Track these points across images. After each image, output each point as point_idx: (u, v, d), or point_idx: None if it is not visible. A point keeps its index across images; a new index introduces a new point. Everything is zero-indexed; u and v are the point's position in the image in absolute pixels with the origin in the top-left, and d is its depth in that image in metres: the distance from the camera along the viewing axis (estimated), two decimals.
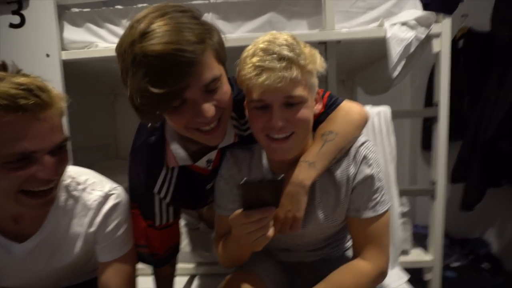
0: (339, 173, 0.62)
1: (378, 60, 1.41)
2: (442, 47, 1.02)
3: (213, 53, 0.53)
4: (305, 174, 0.58)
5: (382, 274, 0.62)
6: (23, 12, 1.15)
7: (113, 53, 1.14)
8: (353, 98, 1.87)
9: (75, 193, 0.64)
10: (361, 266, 0.61)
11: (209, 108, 0.53)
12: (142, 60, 0.47)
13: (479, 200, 1.46)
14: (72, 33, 1.19)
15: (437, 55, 1.04)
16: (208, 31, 0.53)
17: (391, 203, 1.06)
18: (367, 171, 0.61)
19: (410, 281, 1.01)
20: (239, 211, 0.50)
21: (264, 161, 0.66)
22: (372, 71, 1.48)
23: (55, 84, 1.16)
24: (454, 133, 1.52)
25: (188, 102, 0.52)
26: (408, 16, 1.01)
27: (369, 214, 0.61)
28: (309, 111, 0.56)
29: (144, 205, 0.72)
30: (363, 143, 0.63)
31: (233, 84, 0.63)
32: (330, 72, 1.04)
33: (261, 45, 0.52)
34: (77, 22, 1.20)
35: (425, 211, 1.55)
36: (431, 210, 1.16)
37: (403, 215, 1.18)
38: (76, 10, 1.22)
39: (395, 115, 1.03)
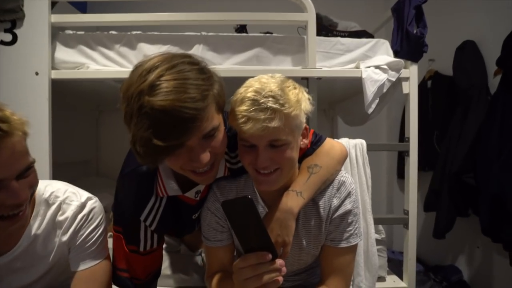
0: (322, 203, 0.68)
1: (355, 95, 1.53)
2: (411, 89, 1.14)
3: (214, 105, 0.56)
4: (293, 202, 0.63)
5: None
6: (16, 31, 1.17)
7: (103, 75, 1.21)
8: (333, 126, 1.98)
9: (53, 206, 0.66)
10: None
11: (205, 156, 0.56)
12: (148, 112, 0.49)
13: (449, 228, 1.55)
14: (64, 53, 1.21)
15: (407, 96, 1.16)
16: (211, 84, 0.55)
17: (367, 233, 1.11)
18: (348, 206, 0.67)
19: None
20: (240, 259, 0.52)
21: (252, 189, 0.70)
22: (350, 105, 1.60)
23: (42, 101, 1.17)
24: (425, 164, 1.65)
25: (186, 148, 0.55)
26: (381, 61, 1.13)
27: (343, 244, 0.67)
28: (293, 151, 0.60)
29: (129, 231, 0.72)
30: (346, 179, 0.69)
31: (225, 119, 0.65)
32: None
33: (249, 94, 0.55)
34: (70, 43, 1.22)
35: (401, 237, 1.62)
36: (405, 238, 1.22)
37: (379, 242, 1.23)
38: (70, 32, 1.25)
39: (370, 148, 1.11)
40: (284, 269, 0.51)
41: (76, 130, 1.86)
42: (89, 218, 0.67)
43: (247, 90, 0.57)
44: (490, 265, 1.53)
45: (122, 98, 0.54)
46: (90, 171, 2.05)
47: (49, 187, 0.67)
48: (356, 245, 0.68)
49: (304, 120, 0.61)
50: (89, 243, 0.67)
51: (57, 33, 1.23)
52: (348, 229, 0.67)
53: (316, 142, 0.72)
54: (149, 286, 0.80)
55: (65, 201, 0.67)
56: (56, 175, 1.23)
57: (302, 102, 0.59)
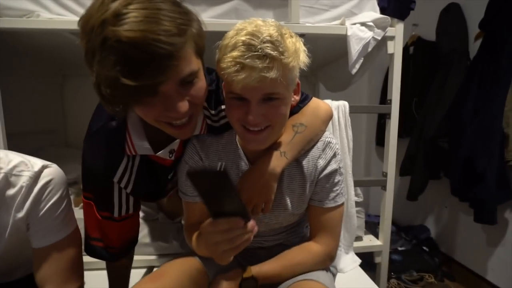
0: (306, 163, 0.65)
1: (338, 59, 1.48)
2: (395, 49, 1.11)
3: (193, 46, 0.49)
4: (276, 162, 0.60)
5: (330, 257, 0.67)
6: None
7: (58, 25, 1.06)
8: (315, 93, 1.94)
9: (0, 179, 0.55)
10: (312, 247, 0.66)
11: (182, 104, 0.50)
12: (114, 45, 0.42)
13: (422, 191, 1.63)
14: None
15: (391, 57, 1.13)
16: (189, 21, 0.49)
17: (347, 195, 1.13)
18: (334, 166, 0.66)
19: (362, 264, 1.09)
20: (207, 221, 0.48)
21: (235, 145, 0.66)
22: (333, 69, 1.55)
23: None
24: (403, 131, 1.68)
25: (161, 95, 0.48)
26: (367, 18, 1.07)
27: (330, 204, 0.66)
28: (286, 107, 0.56)
29: (101, 195, 0.66)
30: (331, 140, 0.67)
31: (205, 72, 0.60)
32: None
33: (243, 38, 0.48)
34: None
35: (377, 201, 1.70)
36: (382, 200, 1.26)
37: (358, 204, 1.26)
38: None
39: (353, 110, 1.09)
40: (255, 229, 0.48)
41: (39, 96, 1.67)
42: (48, 190, 0.58)
43: (240, 33, 0.49)
44: (456, 222, 1.66)
45: (81, 33, 0.46)
46: (58, 141, 1.90)
47: None
48: (342, 204, 0.68)
49: (298, 74, 0.56)
50: (51, 218, 0.59)
51: None
52: (334, 188, 0.66)
53: (303, 101, 0.68)
54: (125, 254, 0.76)
55: (12, 172, 0.56)
56: (16, 146, 1.10)
57: (300, 53, 0.53)
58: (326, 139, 0.66)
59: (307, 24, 1.09)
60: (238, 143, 0.66)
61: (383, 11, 1.13)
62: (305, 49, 0.55)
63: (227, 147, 0.66)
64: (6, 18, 1.02)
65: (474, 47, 1.43)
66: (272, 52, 0.47)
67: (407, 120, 1.68)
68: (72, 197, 1.35)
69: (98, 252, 0.71)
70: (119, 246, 0.72)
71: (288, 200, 0.66)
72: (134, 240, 0.78)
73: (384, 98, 1.98)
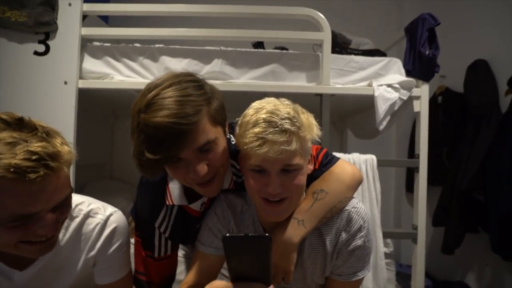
0: (328, 234, 0.62)
1: (367, 109, 1.56)
2: (421, 108, 1.18)
3: (209, 119, 0.57)
4: (293, 231, 0.59)
5: None
6: (49, 42, 1.25)
7: (127, 86, 1.29)
8: (343, 139, 2.01)
9: (77, 219, 0.67)
10: None
11: (201, 168, 0.57)
12: (143, 128, 0.54)
13: (458, 244, 1.55)
14: (91, 64, 1.29)
15: (418, 114, 1.20)
16: (206, 99, 0.58)
17: (375, 247, 1.13)
18: (358, 242, 0.61)
19: None
20: (222, 282, 0.51)
21: (254, 213, 0.68)
22: (361, 119, 1.63)
23: (69, 109, 1.24)
24: (434, 179, 1.66)
25: (183, 160, 0.57)
26: (393, 80, 1.17)
27: (349, 278, 0.63)
28: (304, 177, 0.58)
29: (146, 236, 0.76)
30: (358, 210, 0.62)
31: (233, 131, 0.66)
32: (324, 120, 1.17)
33: (264, 116, 0.54)
34: (97, 54, 1.30)
35: (409, 250, 1.62)
36: (413, 253, 1.23)
37: (387, 256, 1.25)
38: (98, 43, 1.33)
39: (381, 163, 1.15)
40: None
41: (92, 133, 1.92)
42: (115, 235, 0.68)
43: (259, 112, 0.55)
44: (501, 283, 1.52)
45: (130, 115, 0.59)
46: (104, 174, 2.11)
47: (73, 200, 0.67)
48: (363, 277, 0.64)
49: (310, 145, 0.59)
50: (115, 259, 0.69)
51: (86, 45, 1.30)
52: (356, 264, 0.62)
53: (326, 164, 0.67)
54: None
55: (89, 214, 0.67)
56: (72, 178, 1.29)
57: (313, 126, 0.58)
58: (352, 209, 0.62)
59: (337, 85, 1.21)
60: (258, 213, 0.66)
61: (408, 73, 1.23)
62: (316, 123, 0.60)
63: (249, 211, 0.68)
64: (89, 80, 1.27)
65: (505, 100, 1.44)
66: (290, 128, 0.52)
67: (438, 168, 1.66)
68: None
69: (142, 284, 0.79)
70: (158, 282, 0.80)
71: (309, 272, 0.64)
72: (172, 277, 0.84)
73: (413, 146, 1.98)
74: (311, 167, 0.63)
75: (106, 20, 2.06)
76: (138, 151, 0.56)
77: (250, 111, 0.57)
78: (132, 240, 0.78)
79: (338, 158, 0.69)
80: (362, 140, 1.78)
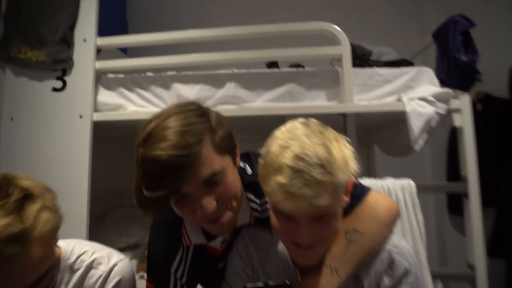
0: (366, 279, 0.54)
1: (396, 124, 1.41)
2: (464, 122, 1.02)
3: (214, 148, 0.52)
4: (326, 283, 0.52)
5: None
6: (66, 78, 1.27)
7: (140, 116, 1.25)
8: (370, 156, 1.85)
9: (79, 272, 0.62)
10: None
11: (209, 203, 0.51)
12: (141, 163, 0.50)
13: None
14: (105, 96, 1.29)
15: (460, 130, 1.04)
16: (211, 127, 0.53)
17: None
18: (404, 286, 0.53)
19: None
20: None
21: (283, 247, 0.61)
22: (390, 135, 1.48)
23: (84, 143, 1.23)
24: (484, 200, 1.44)
25: (188, 197, 0.52)
26: (426, 92, 1.03)
27: None
28: (338, 221, 0.51)
29: (160, 281, 0.69)
30: (399, 249, 0.55)
31: (253, 161, 0.62)
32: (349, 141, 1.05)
33: (289, 162, 0.44)
34: (111, 86, 1.30)
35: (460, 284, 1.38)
36: None
37: None
38: (112, 75, 1.33)
39: (421, 189, 0.99)
40: None
41: (112, 162, 1.93)
42: (119, 287, 0.64)
43: (284, 154, 0.46)
44: None
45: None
46: (124, 202, 2.10)
47: (75, 249, 0.64)
48: None
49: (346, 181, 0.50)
50: None
51: (100, 77, 1.32)
52: None
53: (357, 197, 0.58)
54: None
55: (92, 265, 0.63)
56: (91, 207, 1.27)
57: (349, 162, 0.48)
58: (393, 248, 0.54)
59: (362, 102, 1.09)
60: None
61: (442, 83, 1.09)
62: (353, 151, 0.50)
63: (276, 245, 0.61)
64: (103, 113, 1.26)
65: None
66: (322, 178, 0.43)
67: (486, 187, 1.44)
68: (133, 261, 1.45)
69: None
70: None
71: None
72: None
73: (452, 164, 1.77)
74: (346, 199, 0.53)
75: (125, 51, 2.13)
76: (136, 188, 0.51)
77: (273, 148, 0.48)
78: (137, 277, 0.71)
79: (369, 189, 0.60)
80: (392, 160, 1.62)
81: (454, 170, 1.66)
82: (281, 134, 0.49)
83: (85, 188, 1.20)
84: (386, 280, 0.53)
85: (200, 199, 0.51)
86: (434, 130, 1.06)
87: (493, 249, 1.39)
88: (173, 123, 0.50)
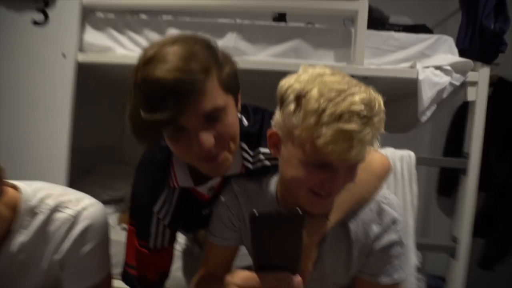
0: (353, 226, 0.55)
1: (401, 99, 1.35)
2: (478, 97, 0.96)
3: (219, 82, 0.51)
4: (317, 224, 0.52)
5: None
6: (48, 10, 1.13)
7: (130, 60, 1.14)
8: None
9: (40, 216, 0.55)
10: None
11: (207, 139, 0.50)
12: (140, 85, 0.47)
13: (501, 259, 1.34)
14: (92, 36, 1.17)
15: (472, 104, 0.98)
16: (219, 62, 0.51)
17: (407, 261, 0.96)
18: (393, 236, 0.54)
19: None
20: (243, 271, 0.43)
21: (271, 198, 0.60)
22: (394, 109, 1.41)
23: (66, 85, 1.13)
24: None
25: (186, 131, 0.50)
26: (443, 61, 0.95)
27: (384, 279, 0.54)
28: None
29: (142, 222, 0.67)
30: (389, 200, 0.56)
31: (250, 113, 0.60)
32: None
33: (356, 108, 0.41)
34: (99, 26, 1.17)
35: (436, 258, 1.42)
36: (451, 270, 1.04)
37: (417, 270, 1.07)
38: (101, 14, 1.20)
39: (420, 162, 0.95)
40: (301, 286, 0.42)
41: (102, 115, 1.84)
42: (88, 235, 0.56)
43: (348, 99, 0.42)
44: None
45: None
46: (114, 158, 2.04)
47: (40, 193, 0.56)
48: (400, 284, 0.55)
49: None
50: (87, 263, 0.57)
51: (88, 15, 1.18)
52: (393, 262, 0.54)
53: None
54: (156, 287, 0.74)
55: (56, 208, 0.56)
56: (76, 160, 1.21)
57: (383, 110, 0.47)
58: (383, 200, 0.55)
59: (372, 66, 1.01)
60: (275, 196, 0.60)
61: (463, 53, 1.01)
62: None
63: (264, 197, 0.61)
64: (89, 54, 1.15)
65: None
66: (380, 127, 0.44)
67: (482, 173, 1.43)
68: (117, 215, 1.42)
69: (131, 280, 0.70)
70: (151, 278, 0.71)
71: (330, 269, 0.57)
72: (166, 274, 0.76)
73: (452, 145, 1.74)
74: None
75: None
76: (134, 112, 0.48)
77: (313, 93, 0.43)
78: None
79: None
80: (390, 136, 1.57)
81: (452, 149, 1.63)
82: (322, 77, 0.45)
83: (65, 136, 1.13)
84: (374, 228, 0.54)
85: (198, 134, 0.49)
86: (443, 103, 0.99)
87: (476, 229, 1.41)
88: (179, 48, 0.47)
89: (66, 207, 0.56)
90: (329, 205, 0.51)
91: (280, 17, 1.26)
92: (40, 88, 1.12)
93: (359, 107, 0.41)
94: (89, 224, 0.57)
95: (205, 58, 0.48)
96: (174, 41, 0.49)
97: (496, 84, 1.51)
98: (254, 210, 0.38)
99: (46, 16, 1.15)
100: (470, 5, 0.98)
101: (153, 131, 0.49)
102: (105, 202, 1.49)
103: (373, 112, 0.42)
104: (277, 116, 0.50)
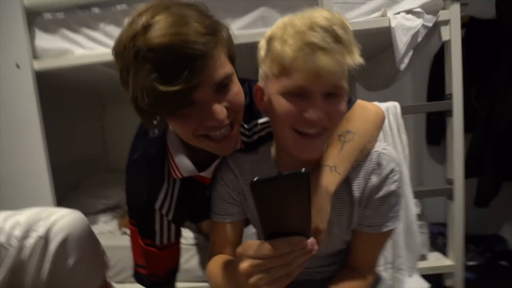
0: (356, 179, 0.55)
1: (377, 55, 1.33)
2: (452, 35, 0.94)
3: (224, 48, 0.48)
4: (328, 179, 0.51)
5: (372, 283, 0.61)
6: None
7: (90, 59, 1.07)
8: (352, 94, 1.78)
9: (12, 250, 0.50)
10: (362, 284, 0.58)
11: (220, 110, 0.48)
12: (147, 54, 0.42)
13: (494, 195, 1.38)
14: (44, 40, 1.08)
15: (447, 44, 0.96)
16: (218, 25, 0.48)
17: (407, 210, 0.97)
18: (392, 187, 0.54)
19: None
20: (256, 242, 0.40)
21: (271, 163, 0.59)
22: (372, 66, 1.39)
23: (28, 97, 1.05)
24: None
25: (197, 105, 0.47)
26: (413, 3, 0.92)
27: (381, 229, 0.56)
28: (344, 105, 0.49)
29: (144, 222, 0.65)
30: (387, 151, 0.56)
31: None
32: None
33: (307, 21, 0.43)
34: (49, 28, 1.09)
35: (435, 207, 1.47)
36: (449, 211, 1.07)
37: (418, 217, 1.09)
38: (49, 16, 1.11)
39: (405, 111, 0.95)
40: (316, 247, 0.39)
41: (81, 127, 1.77)
42: (65, 249, 0.51)
43: (294, 21, 0.44)
44: None
45: (115, 57, 0.47)
46: (100, 168, 1.98)
47: (6, 226, 0.51)
48: (393, 229, 0.57)
49: None
50: (75, 279, 0.53)
51: (35, 18, 1.09)
52: (389, 214, 0.56)
53: (347, 103, 0.58)
54: (168, 285, 0.74)
55: (25, 235, 0.51)
56: (61, 177, 1.16)
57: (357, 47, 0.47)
58: (381, 150, 0.55)
59: None
60: (274, 160, 0.58)
61: None
62: None
63: (262, 164, 0.60)
64: (45, 60, 1.06)
65: None
66: (346, 36, 0.43)
67: (466, 113, 1.45)
68: (115, 221, 1.39)
69: (143, 279, 0.70)
70: (163, 275, 0.70)
71: (335, 224, 0.57)
72: (176, 269, 0.75)
73: (433, 92, 1.75)
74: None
75: None
76: (144, 87, 0.43)
77: (279, 24, 0.46)
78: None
79: (356, 98, 0.61)
80: (373, 95, 1.56)
81: (434, 97, 1.64)
82: (289, 19, 0.45)
83: (42, 152, 1.06)
84: (374, 178, 0.55)
85: (211, 105, 0.47)
86: (419, 48, 0.97)
87: (467, 170, 1.44)
88: (179, 12, 0.44)
89: (34, 230, 0.51)
90: (317, 147, 0.50)
91: None
92: (2, 105, 1.04)
93: (322, 21, 0.42)
94: (64, 238, 0.52)
95: (206, 20, 0.45)
96: (166, 6, 0.44)
97: (468, 25, 1.51)
98: (254, 178, 0.35)
99: None
100: None
101: (170, 105, 0.45)
102: (101, 211, 1.48)
103: (338, 28, 0.42)
104: (259, 71, 0.50)
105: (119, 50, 0.46)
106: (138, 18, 0.44)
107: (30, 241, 0.51)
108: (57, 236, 0.51)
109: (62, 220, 0.53)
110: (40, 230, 0.51)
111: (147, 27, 0.42)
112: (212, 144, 0.52)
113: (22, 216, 0.54)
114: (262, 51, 0.49)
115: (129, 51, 0.43)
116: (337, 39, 0.42)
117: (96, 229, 1.30)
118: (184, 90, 0.43)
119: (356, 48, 0.45)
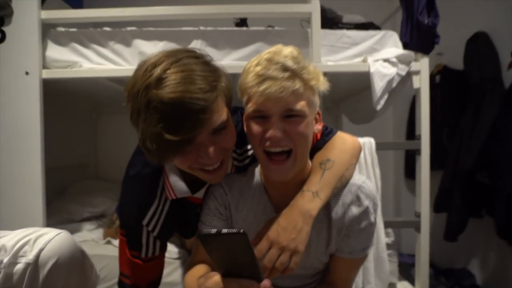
0: (335, 206, 0.60)
1: (361, 91, 1.46)
2: (422, 83, 1.07)
3: (223, 97, 0.55)
4: (310, 204, 0.56)
5: None
6: (4, 28, 1.11)
7: (97, 74, 1.15)
8: (338, 125, 1.91)
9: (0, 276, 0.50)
10: None
11: (214, 153, 0.55)
12: (157, 106, 0.48)
13: (461, 230, 1.47)
14: (55, 51, 1.16)
15: (417, 91, 1.10)
16: (219, 76, 0.55)
17: (377, 238, 1.05)
18: (371, 218, 0.60)
19: None
20: (215, 275, 0.46)
21: (257, 182, 0.64)
22: (356, 102, 1.53)
23: (33, 103, 1.11)
24: (434, 163, 1.57)
25: (196, 145, 0.54)
26: (390, 54, 1.06)
27: (359, 255, 0.62)
28: (308, 128, 0.54)
29: (132, 235, 0.69)
30: (367, 185, 0.61)
31: (232, 114, 0.65)
32: None
33: (266, 56, 0.52)
34: (61, 41, 1.17)
35: (410, 239, 1.55)
36: (417, 243, 1.15)
37: (389, 246, 1.16)
38: (62, 29, 1.19)
39: (380, 147, 1.05)
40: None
41: (73, 133, 1.80)
42: (56, 274, 0.52)
43: (260, 56, 0.53)
44: (506, 268, 1.46)
45: (127, 96, 0.53)
46: (89, 175, 1.99)
47: None
48: (368, 254, 0.64)
49: (318, 101, 0.57)
50: None
51: (48, 31, 1.17)
52: (366, 241, 0.62)
53: (327, 135, 0.66)
54: None
55: (13, 261, 0.51)
56: (51, 180, 1.18)
57: (320, 76, 0.54)
58: (362, 184, 0.60)
59: (329, 63, 1.10)
60: (261, 179, 0.64)
61: (405, 46, 1.12)
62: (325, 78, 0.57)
63: (250, 183, 0.65)
64: (54, 70, 1.14)
65: (507, 74, 1.35)
66: (293, 66, 0.50)
67: (438, 151, 1.57)
68: (100, 230, 1.40)
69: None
70: (144, 286, 0.72)
71: (315, 248, 0.62)
72: (158, 281, 0.78)
73: (411, 130, 1.88)
74: (319, 127, 0.61)
75: (81, 5, 1.90)
76: (152, 133, 0.50)
77: (252, 59, 0.55)
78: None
79: (337, 130, 0.69)
80: (358, 127, 1.68)
81: (412, 135, 1.78)
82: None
83: (38, 156, 1.09)
84: (354, 209, 0.60)
85: (207, 148, 0.54)
86: (394, 92, 1.10)
87: (437, 205, 1.55)
88: (187, 68, 0.50)
89: (22, 256, 0.52)
90: (286, 171, 0.55)
91: (242, 22, 1.32)
92: (6, 107, 1.09)
93: (268, 56, 0.50)
94: (54, 263, 0.53)
95: (210, 76, 0.52)
96: (176, 59, 0.51)
97: (442, 72, 1.68)
98: (201, 230, 0.42)
99: (3, 33, 1.12)
100: (408, 3, 1.10)
101: (173, 150, 0.51)
102: (86, 219, 1.48)
103: (289, 60, 0.50)
104: None
105: (132, 92, 0.51)
106: (152, 68, 0.50)
107: (19, 267, 0.51)
108: (48, 262, 0.52)
109: (50, 244, 0.53)
110: (28, 256, 0.51)
111: (159, 80, 0.49)
112: (204, 174, 0.58)
113: (7, 240, 0.53)
114: (239, 80, 0.56)
115: (142, 98, 0.50)
116: (286, 69, 0.49)
117: (80, 236, 1.30)
118: (187, 138, 0.50)
119: (312, 75, 0.52)
